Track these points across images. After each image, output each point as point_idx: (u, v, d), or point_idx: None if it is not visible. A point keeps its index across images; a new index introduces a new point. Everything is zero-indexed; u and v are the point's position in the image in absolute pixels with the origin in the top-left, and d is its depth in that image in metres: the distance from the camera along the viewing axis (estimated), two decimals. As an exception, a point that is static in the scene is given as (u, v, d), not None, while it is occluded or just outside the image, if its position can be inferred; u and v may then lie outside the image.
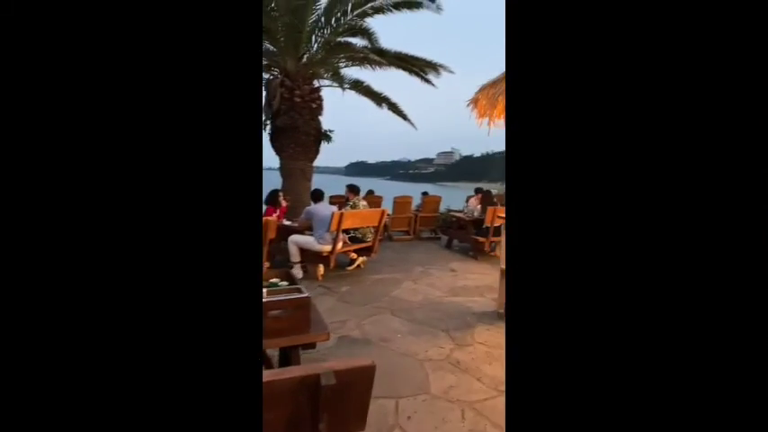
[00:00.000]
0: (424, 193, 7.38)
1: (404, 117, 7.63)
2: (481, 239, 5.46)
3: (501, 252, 3.33)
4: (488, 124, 3.26)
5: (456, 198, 9.46)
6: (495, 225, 5.38)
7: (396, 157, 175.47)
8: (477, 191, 6.56)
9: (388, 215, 6.69)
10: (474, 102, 3.27)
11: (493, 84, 2.99)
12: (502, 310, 3.29)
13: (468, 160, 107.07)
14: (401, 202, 6.79)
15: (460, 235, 6.03)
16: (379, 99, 7.47)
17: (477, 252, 5.56)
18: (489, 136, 3.16)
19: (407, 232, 6.95)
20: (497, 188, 9.75)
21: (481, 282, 4.33)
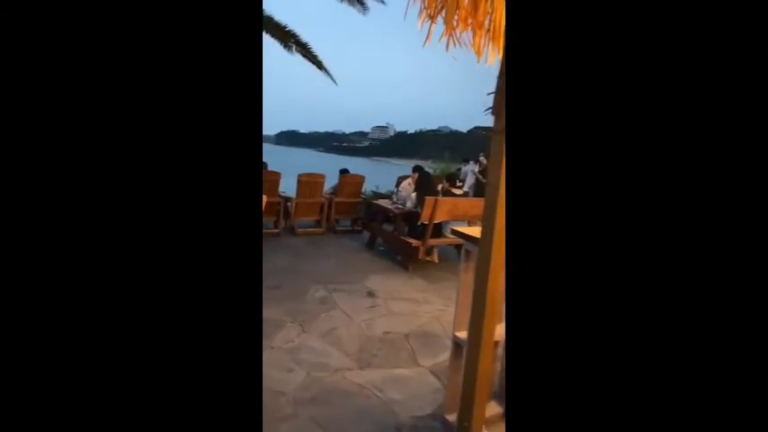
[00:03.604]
0: (344, 171, 5.57)
1: (318, 65, 5.65)
2: (414, 243, 3.83)
3: (463, 275, 1.68)
4: (445, 34, 1.53)
5: (389, 176, 7.79)
6: (436, 222, 3.80)
7: (330, 128, 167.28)
8: (416, 169, 4.81)
9: (289, 201, 4.84)
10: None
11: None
12: (452, 417, 1.67)
13: (402, 136, 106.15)
14: (308, 182, 4.92)
15: (386, 234, 4.36)
16: (284, 36, 5.37)
17: (407, 259, 3.94)
18: (448, 52, 1.43)
19: (318, 223, 5.14)
20: (429, 166, 8.18)
21: (414, 319, 2.72)
